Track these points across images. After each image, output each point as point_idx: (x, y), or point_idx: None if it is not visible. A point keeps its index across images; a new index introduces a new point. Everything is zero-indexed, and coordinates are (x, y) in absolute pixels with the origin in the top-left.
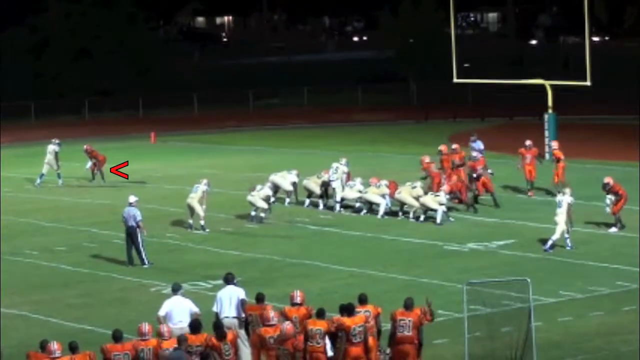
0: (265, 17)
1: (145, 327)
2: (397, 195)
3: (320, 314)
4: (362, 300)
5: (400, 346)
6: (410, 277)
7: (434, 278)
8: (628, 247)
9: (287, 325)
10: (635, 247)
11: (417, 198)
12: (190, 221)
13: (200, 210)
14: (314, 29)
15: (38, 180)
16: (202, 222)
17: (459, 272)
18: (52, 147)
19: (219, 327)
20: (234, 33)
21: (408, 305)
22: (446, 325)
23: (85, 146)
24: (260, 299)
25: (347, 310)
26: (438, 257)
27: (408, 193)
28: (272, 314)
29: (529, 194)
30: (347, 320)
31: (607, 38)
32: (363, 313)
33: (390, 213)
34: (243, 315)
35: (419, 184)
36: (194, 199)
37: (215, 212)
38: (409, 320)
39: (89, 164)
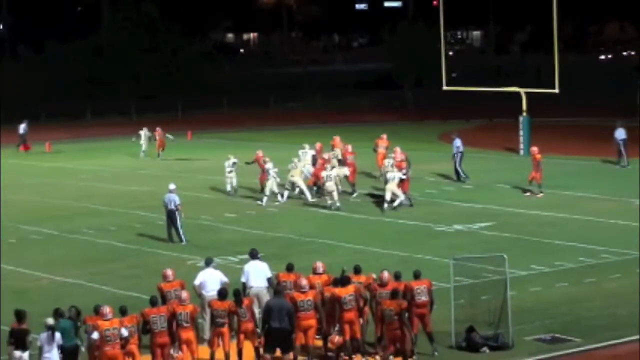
0: (285, 34)
1: (169, 272)
2: (388, 186)
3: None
4: (357, 270)
5: (421, 309)
6: (406, 254)
7: (426, 254)
8: (591, 229)
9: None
10: (597, 230)
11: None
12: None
13: (301, 183)
14: (326, 44)
15: (142, 154)
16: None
17: (447, 249)
18: (144, 133)
19: (237, 294)
20: (259, 47)
21: (417, 276)
22: (435, 294)
23: (157, 128)
24: (290, 268)
25: (341, 281)
26: (429, 237)
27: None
28: (304, 281)
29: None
30: (337, 290)
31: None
32: (357, 283)
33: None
34: (271, 287)
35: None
36: (295, 175)
37: (241, 197)
38: (424, 287)
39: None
